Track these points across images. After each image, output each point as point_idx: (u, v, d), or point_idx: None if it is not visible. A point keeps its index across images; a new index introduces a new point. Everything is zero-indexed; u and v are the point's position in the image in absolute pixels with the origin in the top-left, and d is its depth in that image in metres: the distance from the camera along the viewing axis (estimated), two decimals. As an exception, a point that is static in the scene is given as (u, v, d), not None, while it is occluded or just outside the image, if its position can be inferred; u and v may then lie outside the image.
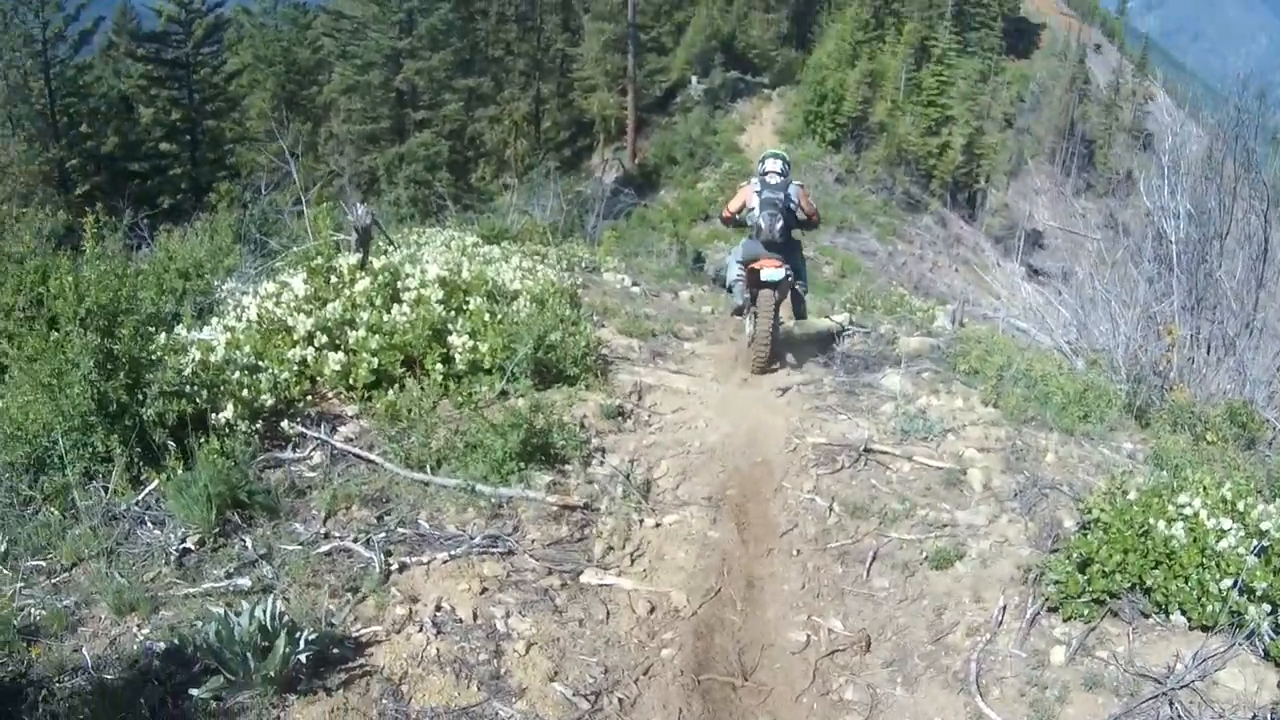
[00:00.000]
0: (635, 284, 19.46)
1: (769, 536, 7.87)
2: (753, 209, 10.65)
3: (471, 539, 6.88)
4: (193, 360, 7.93)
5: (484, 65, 56.69)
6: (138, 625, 5.28)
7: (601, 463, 8.54)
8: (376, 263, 10.35)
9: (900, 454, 8.94)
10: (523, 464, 7.87)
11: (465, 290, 10.51)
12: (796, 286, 11.10)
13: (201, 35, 39.39)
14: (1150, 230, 12.72)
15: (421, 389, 8.68)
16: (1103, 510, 6.64)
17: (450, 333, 9.41)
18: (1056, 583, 6.44)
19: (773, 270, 10.63)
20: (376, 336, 9.03)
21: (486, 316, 9.81)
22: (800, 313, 11.79)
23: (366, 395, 8.79)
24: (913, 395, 10.52)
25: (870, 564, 7.43)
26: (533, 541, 7.17)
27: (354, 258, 10.25)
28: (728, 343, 13.20)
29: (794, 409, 10.25)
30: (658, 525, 7.74)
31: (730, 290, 11.58)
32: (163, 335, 8.11)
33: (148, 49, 40.10)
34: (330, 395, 8.92)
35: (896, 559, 7.47)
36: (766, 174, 10.79)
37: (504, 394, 9.15)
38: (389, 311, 9.44)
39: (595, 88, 61.14)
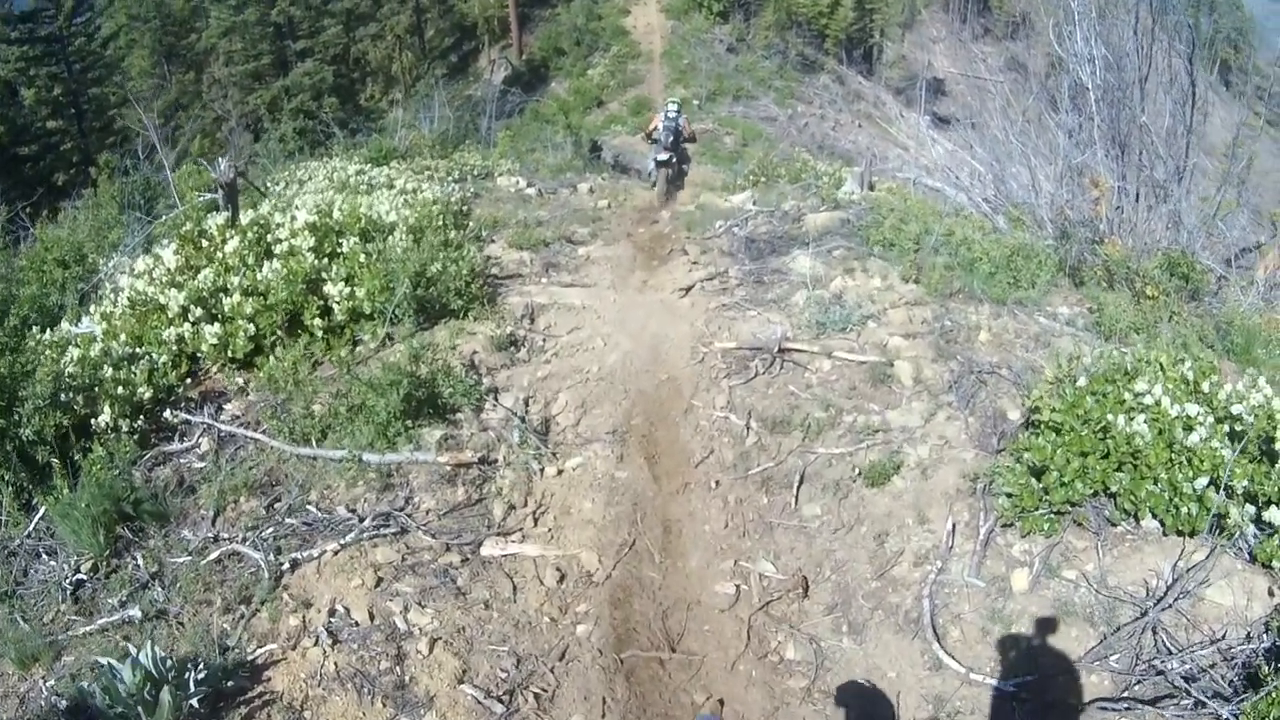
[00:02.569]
0: (530, 185, 18.27)
1: (683, 468, 6.88)
2: (657, 128, 16.71)
3: (362, 521, 6.02)
4: (72, 360, 7.21)
5: (360, -17, 53.84)
6: (42, 677, 4.85)
7: (495, 405, 7.46)
8: (246, 218, 9.21)
9: (819, 350, 7.92)
10: (409, 422, 6.93)
11: (339, 232, 9.31)
12: (683, 167, 17.25)
13: (71, 6, 37.11)
14: (1065, 78, 11.65)
15: (301, 350, 7.72)
16: (1052, 409, 5.72)
17: (325, 281, 8.37)
18: (1009, 495, 5.50)
19: (665, 156, 16.27)
20: (251, 300, 8.02)
21: (362, 258, 8.67)
22: (680, 183, 16.85)
23: (250, 364, 7.88)
24: (825, 278, 9.49)
25: (798, 488, 6.47)
26: (427, 513, 6.23)
27: (222, 217, 9.18)
28: (623, 241, 12.06)
29: (698, 310, 9.18)
30: (560, 473, 6.73)
31: (650, 174, 17.07)
32: (46, 333, 7.84)
33: (21, 30, 37.41)
34: (214, 371, 7.97)
35: (826, 479, 6.51)
36: (667, 111, 16.90)
37: (389, 338, 8.21)
38: (262, 269, 8.36)
39: (474, -11, 58.37)
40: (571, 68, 48.55)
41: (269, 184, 17.08)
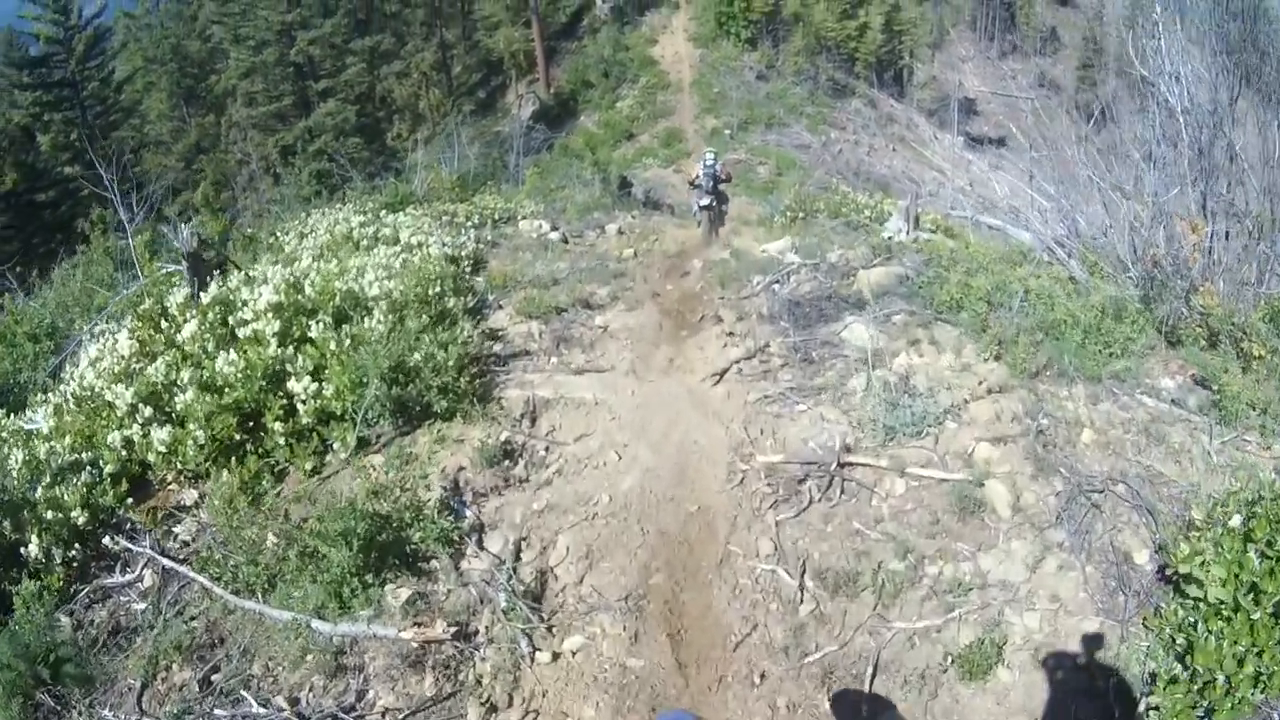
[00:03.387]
0: (554, 229, 16.82)
1: (717, 652, 5.22)
2: (699, 176, 16.56)
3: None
4: (16, 464, 6.50)
5: (382, 22, 52.53)
6: None
7: (478, 551, 5.90)
8: (212, 293, 8.05)
9: (888, 465, 6.26)
10: (370, 577, 5.51)
11: (311, 311, 7.89)
12: (722, 208, 17.01)
13: (84, 50, 36.55)
14: (1140, 100, 9.98)
15: (255, 465, 6.57)
16: (1207, 570, 4.10)
17: (290, 375, 7.06)
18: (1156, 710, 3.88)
19: (707, 201, 16.25)
20: (207, 397, 6.80)
21: (332, 344, 7.26)
22: (721, 221, 16.88)
23: (207, 471, 6.70)
24: (886, 352, 7.85)
25: (871, 683, 4.81)
26: (384, 716, 4.80)
27: (184, 293, 8.14)
28: (648, 304, 10.39)
29: (735, 404, 7.51)
30: (556, 658, 5.14)
31: (696, 215, 17.10)
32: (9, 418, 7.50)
33: (33, 75, 36.97)
34: (168, 480, 6.89)
35: (908, 668, 4.87)
36: (705, 159, 16.83)
37: (363, 442, 6.89)
38: (225, 356, 7.11)
39: (499, 24, 56.09)
40: (600, 100, 47.31)
41: (279, 234, 15.90)
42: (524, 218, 16.87)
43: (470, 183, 21.19)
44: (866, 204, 18.69)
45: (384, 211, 16.44)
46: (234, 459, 6.57)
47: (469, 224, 15.84)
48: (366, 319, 7.80)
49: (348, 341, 7.33)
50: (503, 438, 6.96)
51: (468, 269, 11.70)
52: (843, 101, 53.87)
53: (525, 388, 7.75)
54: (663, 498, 6.33)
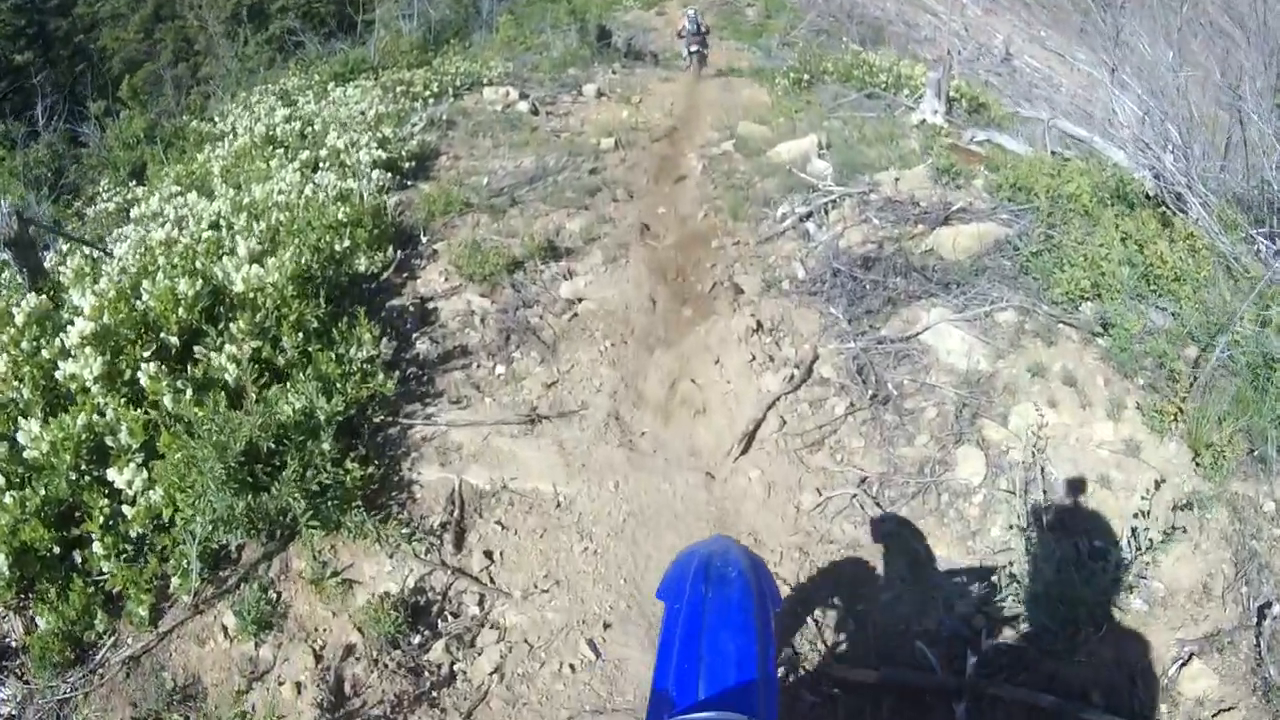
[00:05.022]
0: (523, 96, 13.85)
1: None
2: (684, 28, 18.23)
3: None
4: None
5: None
6: None
7: None
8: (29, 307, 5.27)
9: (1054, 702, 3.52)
10: None
11: (155, 327, 5.04)
12: (705, 51, 18.23)
13: None
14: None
15: (85, 586, 4.11)
16: None
17: (112, 453, 4.37)
18: None
19: (696, 47, 17.88)
20: (9, 497, 4.12)
21: (168, 399, 4.48)
22: (705, 61, 18.12)
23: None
24: (996, 387, 5.13)
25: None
26: None
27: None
28: (635, 254, 7.34)
29: (778, 512, 4.65)
30: None
31: (686, 58, 18.16)
32: None
33: None
34: None
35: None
36: (689, 13, 18.30)
37: (217, 565, 4.34)
38: (30, 425, 4.38)
39: None
40: (583, -66, 42.09)
41: (216, 119, 13.07)
42: (490, 83, 14.57)
43: (433, 42, 18.69)
44: (881, 66, 15.47)
45: (331, 84, 14.23)
46: (55, 585, 4.00)
47: (427, 94, 13.33)
48: (226, 341, 4.93)
49: (189, 393, 4.49)
50: (411, 582, 4.17)
51: (409, 171, 9.34)
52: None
53: (449, 463, 4.84)
54: None
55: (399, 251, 7.03)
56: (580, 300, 6.58)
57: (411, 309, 6.21)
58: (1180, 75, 7.46)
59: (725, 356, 5.80)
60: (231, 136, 10.99)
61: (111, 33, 32.85)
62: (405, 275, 6.78)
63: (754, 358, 5.71)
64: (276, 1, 33.00)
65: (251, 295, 5.30)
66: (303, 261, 5.85)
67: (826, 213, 7.38)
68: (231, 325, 4.97)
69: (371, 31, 19.09)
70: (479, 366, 5.68)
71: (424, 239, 7.40)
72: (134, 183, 11.58)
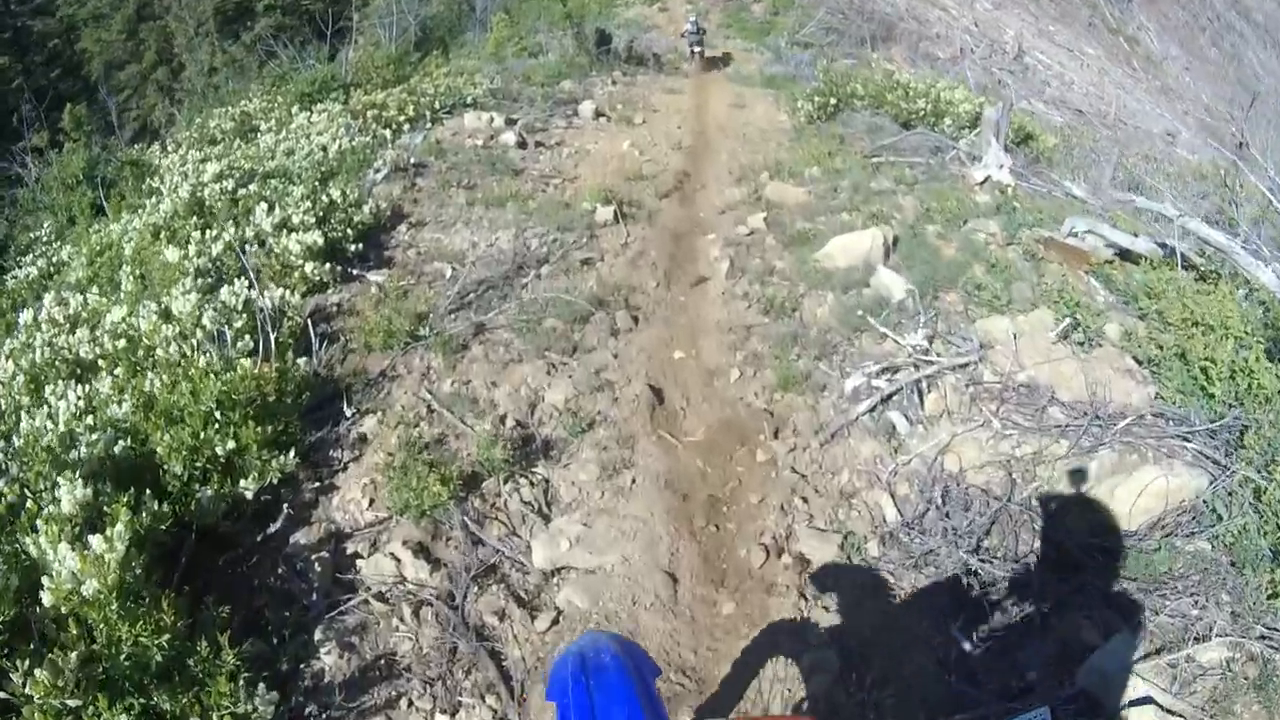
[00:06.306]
0: (510, 122, 12.03)
1: None
2: (687, 31, 19.32)
3: None
4: None
5: None
6: None
7: None
8: None
9: None
10: None
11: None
12: (704, 48, 19.27)
13: None
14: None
15: None
16: None
17: None
18: None
19: (699, 48, 19.17)
20: None
21: None
22: (703, 53, 19.26)
23: None
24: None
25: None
26: None
27: None
28: (648, 488, 4.81)
29: None
30: None
31: (689, 56, 19.25)
32: None
33: None
34: None
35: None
36: (689, 18, 19.56)
37: None
38: None
39: None
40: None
41: (169, 148, 11.96)
42: (473, 103, 13.10)
43: (418, 46, 17.43)
44: (917, 90, 13.20)
45: (296, 107, 12.97)
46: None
47: (401, 119, 11.70)
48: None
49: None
50: None
51: (354, 256, 7.31)
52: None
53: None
54: None
55: (311, 433, 4.84)
56: (561, 574, 4.26)
57: (318, 564, 4.00)
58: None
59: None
60: (157, 197, 8.71)
61: (93, 34, 30.96)
62: (317, 482, 4.57)
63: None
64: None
65: (68, 614, 3.14)
66: (148, 521, 3.62)
67: (920, 396, 5.13)
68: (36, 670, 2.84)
69: (348, 41, 16.85)
70: (411, 707, 3.51)
71: (349, 410, 5.15)
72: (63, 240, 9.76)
